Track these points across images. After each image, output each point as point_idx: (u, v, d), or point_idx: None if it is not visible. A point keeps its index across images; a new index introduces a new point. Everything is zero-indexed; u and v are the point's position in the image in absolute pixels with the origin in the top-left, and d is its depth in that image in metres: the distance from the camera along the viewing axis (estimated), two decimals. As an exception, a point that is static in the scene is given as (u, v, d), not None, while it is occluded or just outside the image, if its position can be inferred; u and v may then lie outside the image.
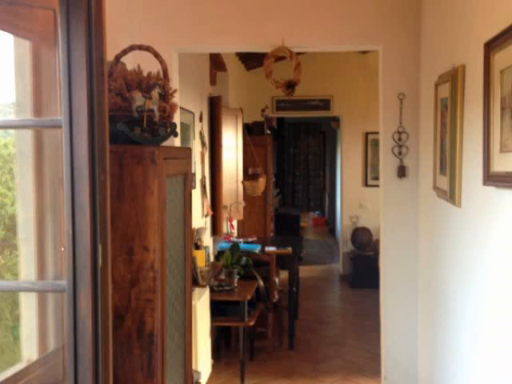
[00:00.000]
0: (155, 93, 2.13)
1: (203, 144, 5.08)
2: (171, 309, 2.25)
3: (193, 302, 3.63)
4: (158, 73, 2.20)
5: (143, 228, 2.03)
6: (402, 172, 3.59)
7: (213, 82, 5.75)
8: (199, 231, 4.49)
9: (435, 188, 3.07)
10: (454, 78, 2.59)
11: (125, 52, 2.22)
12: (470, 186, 2.40)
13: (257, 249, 5.56)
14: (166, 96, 2.18)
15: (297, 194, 14.39)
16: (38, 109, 1.95)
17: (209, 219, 5.33)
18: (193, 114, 4.72)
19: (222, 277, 4.67)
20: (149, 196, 2.02)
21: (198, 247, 4.38)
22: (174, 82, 3.47)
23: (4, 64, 1.99)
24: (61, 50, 1.47)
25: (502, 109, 1.94)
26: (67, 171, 1.48)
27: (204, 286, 4.08)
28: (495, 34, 1.99)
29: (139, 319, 2.05)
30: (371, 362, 4.87)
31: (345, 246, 8.19)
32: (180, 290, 2.40)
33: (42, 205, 1.97)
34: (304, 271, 7.86)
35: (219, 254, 5.20)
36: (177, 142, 3.35)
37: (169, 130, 2.22)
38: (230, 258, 4.66)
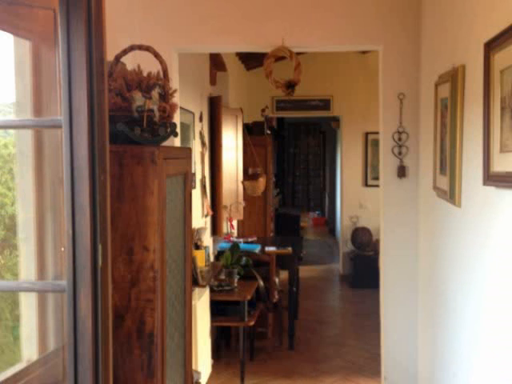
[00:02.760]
0: (155, 93, 2.13)
1: (203, 144, 5.08)
2: (171, 309, 2.25)
3: (193, 302, 3.63)
4: (158, 73, 2.20)
5: (143, 228, 2.03)
6: (402, 172, 3.59)
7: (213, 82, 5.75)
8: (199, 231, 4.49)
9: (435, 188, 3.07)
10: (453, 77, 2.59)
11: (125, 52, 2.22)
12: (470, 185, 2.40)
13: (257, 249, 5.56)
14: (166, 96, 2.18)
15: (297, 194, 14.39)
16: (38, 109, 1.95)
17: (209, 219, 5.33)
18: (193, 114, 4.72)
19: (222, 277, 4.67)
20: (149, 196, 2.02)
21: (198, 247, 4.38)
22: (174, 82, 3.47)
23: (4, 64, 1.99)
24: (61, 50, 1.47)
25: (502, 109, 1.94)
26: (67, 171, 1.48)
27: (204, 286, 4.08)
28: (495, 33, 1.99)
29: (139, 319, 2.05)
30: (371, 362, 4.87)
31: (345, 245, 8.19)
32: (180, 290, 2.40)
33: (41, 205, 1.97)
34: (304, 271, 7.86)
35: (219, 254, 5.20)
36: (177, 142, 3.35)
37: (169, 129, 2.22)
38: (229, 258, 4.66)
